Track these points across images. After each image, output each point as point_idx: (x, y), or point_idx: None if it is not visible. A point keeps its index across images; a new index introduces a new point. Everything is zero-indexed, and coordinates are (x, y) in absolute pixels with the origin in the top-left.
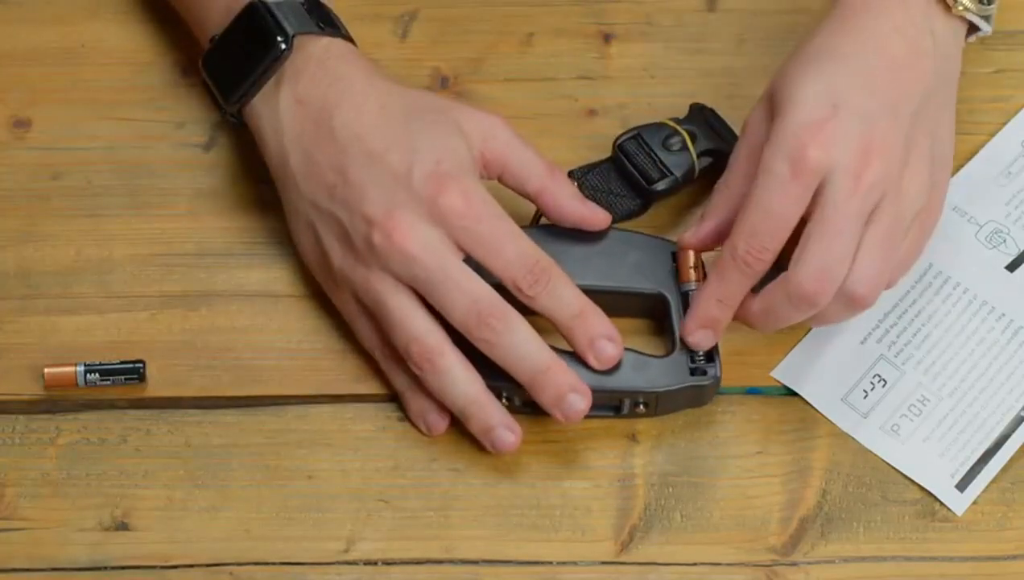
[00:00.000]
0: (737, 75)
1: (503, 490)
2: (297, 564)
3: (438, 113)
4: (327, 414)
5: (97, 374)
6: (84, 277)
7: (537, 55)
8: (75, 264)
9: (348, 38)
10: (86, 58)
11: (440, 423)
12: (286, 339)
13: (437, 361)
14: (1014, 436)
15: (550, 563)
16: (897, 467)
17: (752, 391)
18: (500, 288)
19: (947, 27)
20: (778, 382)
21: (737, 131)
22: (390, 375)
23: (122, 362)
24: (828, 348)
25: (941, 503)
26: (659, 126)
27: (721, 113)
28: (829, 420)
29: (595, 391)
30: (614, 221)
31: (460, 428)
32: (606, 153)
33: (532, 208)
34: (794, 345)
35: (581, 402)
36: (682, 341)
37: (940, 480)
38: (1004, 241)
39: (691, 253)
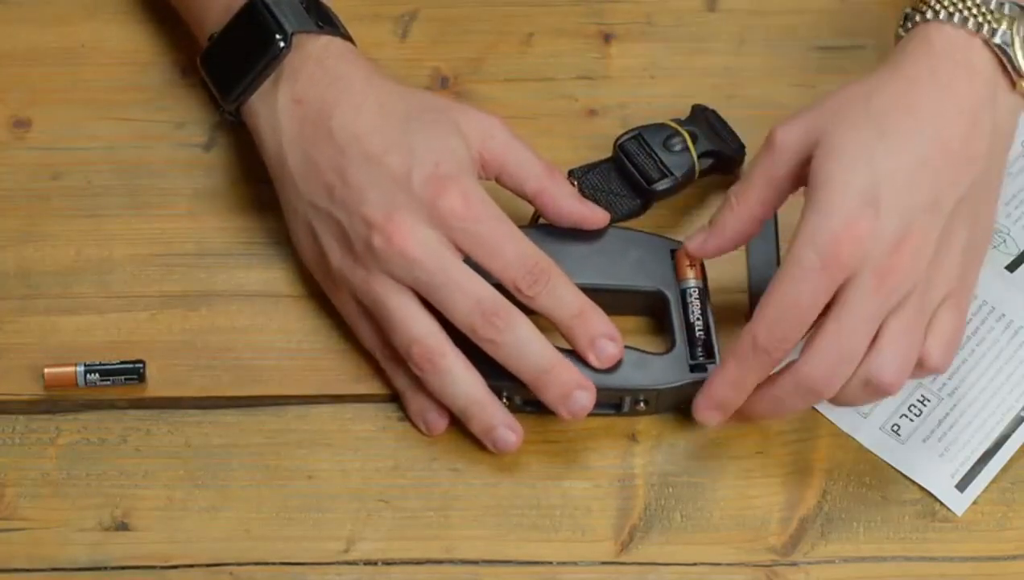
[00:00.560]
0: (737, 75)
1: (503, 490)
2: (297, 564)
3: (437, 113)
4: (327, 414)
5: (97, 374)
6: (84, 277)
7: (537, 55)
8: (75, 264)
9: (347, 37)
10: (86, 58)
11: (439, 423)
12: (286, 339)
13: (438, 361)
14: (1014, 436)
15: (550, 563)
16: (897, 467)
17: None
18: (499, 288)
19: (1009, 100)
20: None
21: (739, 132)
22: (391, 375)
23: (122, 362)
24: None
25: (941, 503)
26: (660, 126)
27: (721, 113)
28: (829, 420)
29: (596, 389)
30: (614, 221)
31: (460, 428)
32: (606, 153)
33: (530, 209)
34: None
35: (586, 399)
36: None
37: (940, 480)
38: (1004, 241)
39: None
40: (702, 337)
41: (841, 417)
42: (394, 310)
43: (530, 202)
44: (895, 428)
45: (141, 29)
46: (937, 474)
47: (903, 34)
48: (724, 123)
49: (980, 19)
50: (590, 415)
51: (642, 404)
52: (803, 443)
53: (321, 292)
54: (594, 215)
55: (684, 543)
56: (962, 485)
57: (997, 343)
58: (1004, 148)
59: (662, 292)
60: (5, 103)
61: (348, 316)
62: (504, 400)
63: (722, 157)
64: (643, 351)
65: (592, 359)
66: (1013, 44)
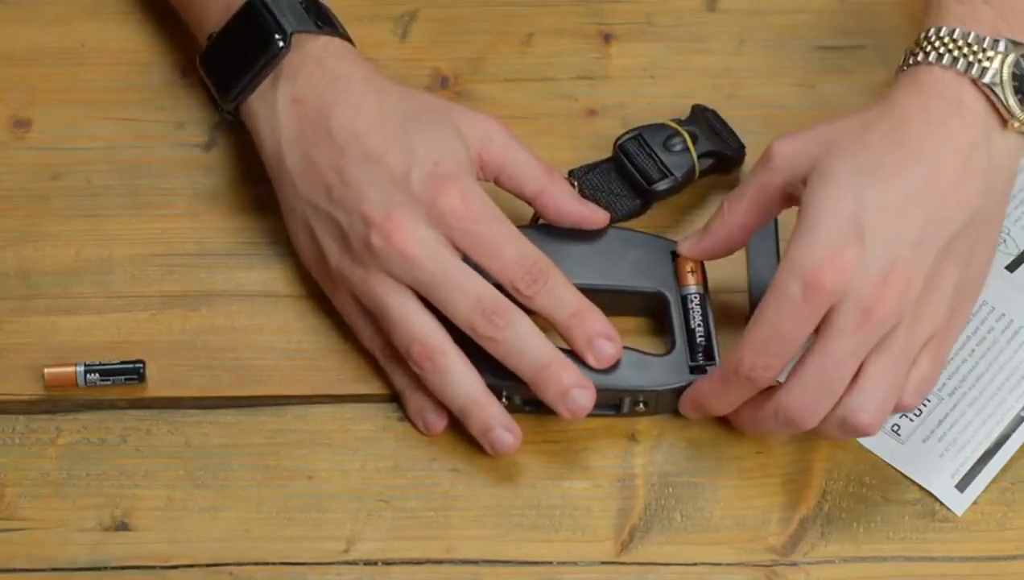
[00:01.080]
0: (737, 75)
1: (503, 490)
2: (297, 564)
3: (436, 114)
4: (327, 414)
5: (97, 374)
6: (84, 277)
7: (537, 55)
8: (75, 264)
9: (346, 37)
10: (86, 58)
11: (438, 422)
12: (286, 339)
13: (438, 360)
14: (1014, 436)
15: (550, 563)
16: (897, 467)
17: None
18: (498, 288)
19: (1004, 141)
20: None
21: (739, 132)
22: (390, 374)
23: (122, 362)
24: None
25: (941, 503)
26: (660, 127)
27: (721, 113)
28: None
29: (595, 390)
30: (614, 221)
31: (460, 428)
32: (606, 153)
33: (530, 209)
34: None
35: (586, 397)
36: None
37: (940, 480)
38: (1004, 241)
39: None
40: (703, 342)
41: None
42: (393, 309)
43: (529, 203)
44: (895, 428)
45: (141, 29)
46: (937, 474)
47: (904, 69)
48: (724, 123)
49: (971, 58)
50: (590, 416)
51: (641, 405)
52: (803, 443)
53: (320, 292)
54: (594, 215)
55: (684, 543)
56: (962, 485)
57: (997, 343)
58: (1003, 188)
59: (662, 293)
60: (5, 103)
61: (347, 316)
62: (504, 400)
63: (722, 157)
64: (643, 352)
65: (590, 359)
66: (1002, 83)
